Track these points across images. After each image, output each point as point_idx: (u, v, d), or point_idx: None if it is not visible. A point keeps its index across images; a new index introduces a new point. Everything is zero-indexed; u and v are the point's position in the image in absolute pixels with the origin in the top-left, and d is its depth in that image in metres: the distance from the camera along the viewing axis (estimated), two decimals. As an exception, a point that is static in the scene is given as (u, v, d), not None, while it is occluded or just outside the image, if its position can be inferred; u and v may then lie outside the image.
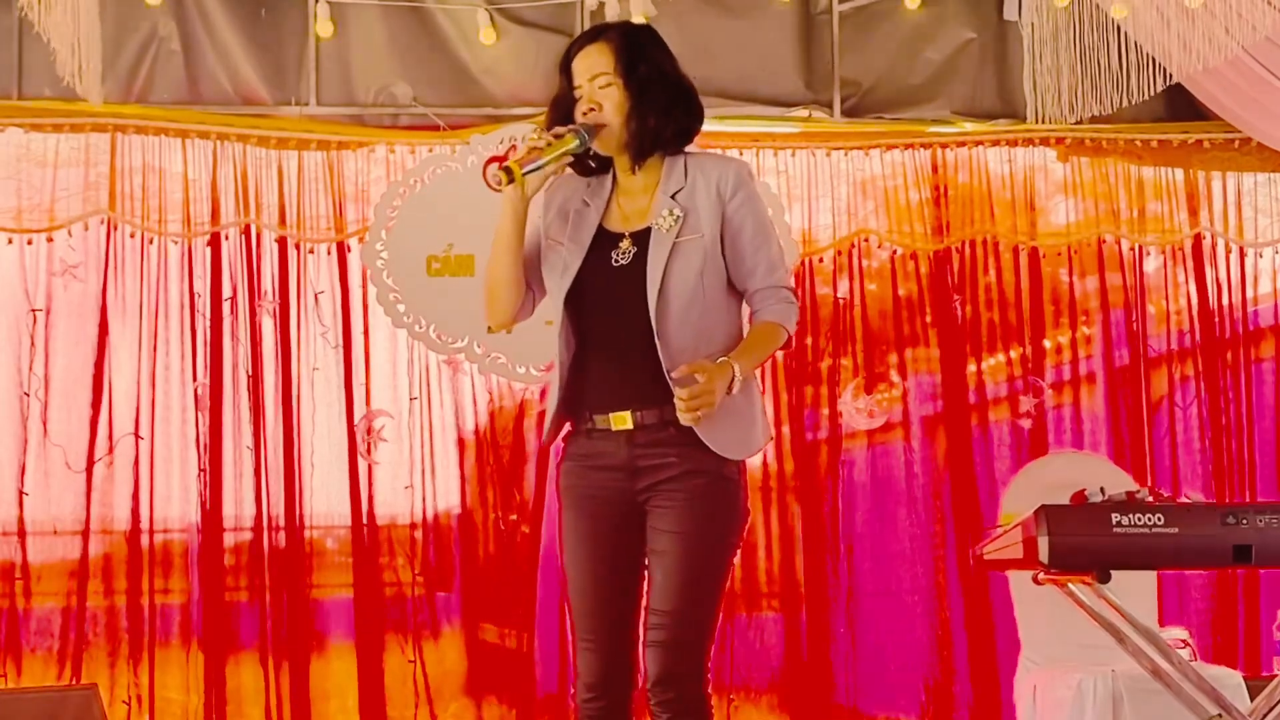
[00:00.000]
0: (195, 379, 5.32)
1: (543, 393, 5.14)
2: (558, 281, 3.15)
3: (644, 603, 3.13)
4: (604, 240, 3.15)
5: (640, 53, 3.18)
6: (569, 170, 3.21)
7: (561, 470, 3.21)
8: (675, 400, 2.96)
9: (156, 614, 5.24)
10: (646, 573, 3.11)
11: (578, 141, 3.09)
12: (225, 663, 5.25)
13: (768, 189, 5.45)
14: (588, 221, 3.17)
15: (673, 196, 3.14)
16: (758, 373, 3.18)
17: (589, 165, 3.21)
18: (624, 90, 3.14)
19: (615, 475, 3.10)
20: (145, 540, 5.24)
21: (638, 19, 5.48)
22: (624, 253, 3.12)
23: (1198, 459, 5.66)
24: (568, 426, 3.19)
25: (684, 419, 2.97)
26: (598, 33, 3.22)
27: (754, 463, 5.48)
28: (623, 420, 3.08)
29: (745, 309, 3.21)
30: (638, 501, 3.10)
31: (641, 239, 3.12)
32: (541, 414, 5.11)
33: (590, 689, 3.10)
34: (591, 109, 3.13)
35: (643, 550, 3.12)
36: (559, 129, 3.11)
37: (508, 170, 3.05)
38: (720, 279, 3.14)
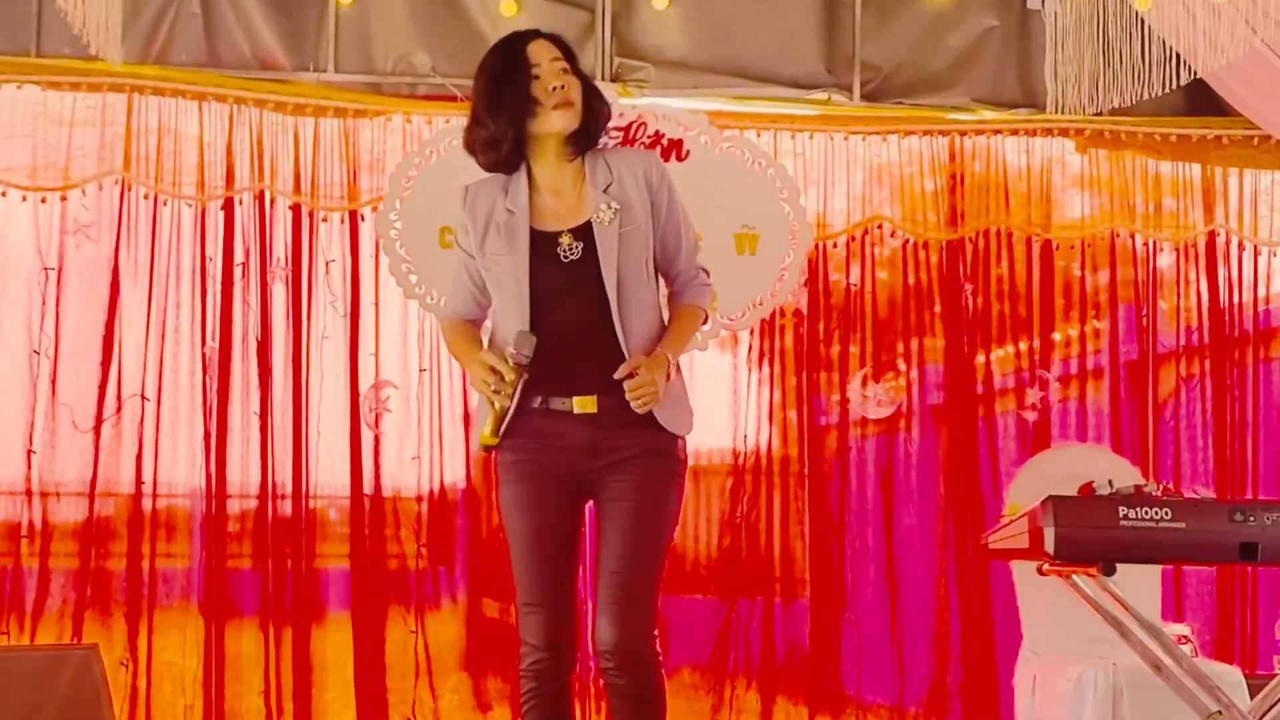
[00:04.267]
0: (205, 343, 5.30)
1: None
2: (514, 290, 3.30)
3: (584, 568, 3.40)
4: (541, 240, 3.32)
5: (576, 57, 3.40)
6: (485, 176, 3.38)
7: (504, 446, 3.35)
8: (626, 395, 3.21)
9: (159, 577, 5.24)
10: (600, 538, 3.32)
11: (525, 376, 3.23)
12: (225, 628, 5.24)
13: (784, 170, 5.44)
14: (518, 228, 3.32)
15: (604, 190, 3.31)
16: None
17: (507, 163, 3.34)
18: (578, 82, 3.33)
19: (573, 453, 3.30)
20: (149, 503, 5.23)
21: (660, -3, 5.48)
22: (569, 249, 3.30)
23: (1201, 456, 5.65)
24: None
25: (636, 409, 3.23)
26: (537, 32, 3.38)
27: (759, 448, 5.51)
28: (587, 404, 3.28)
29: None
30: (590, 478, 3.31)
31: (584, 234, 3.30)
32: None
33: (540, 650, 3.29)
34: (562, 85, 3.29)
35: (582, 520, 3.40)
36: (505, 368, 3.22)
37: (488, 448, 3.29)
38: (652, 263, 3.37)
